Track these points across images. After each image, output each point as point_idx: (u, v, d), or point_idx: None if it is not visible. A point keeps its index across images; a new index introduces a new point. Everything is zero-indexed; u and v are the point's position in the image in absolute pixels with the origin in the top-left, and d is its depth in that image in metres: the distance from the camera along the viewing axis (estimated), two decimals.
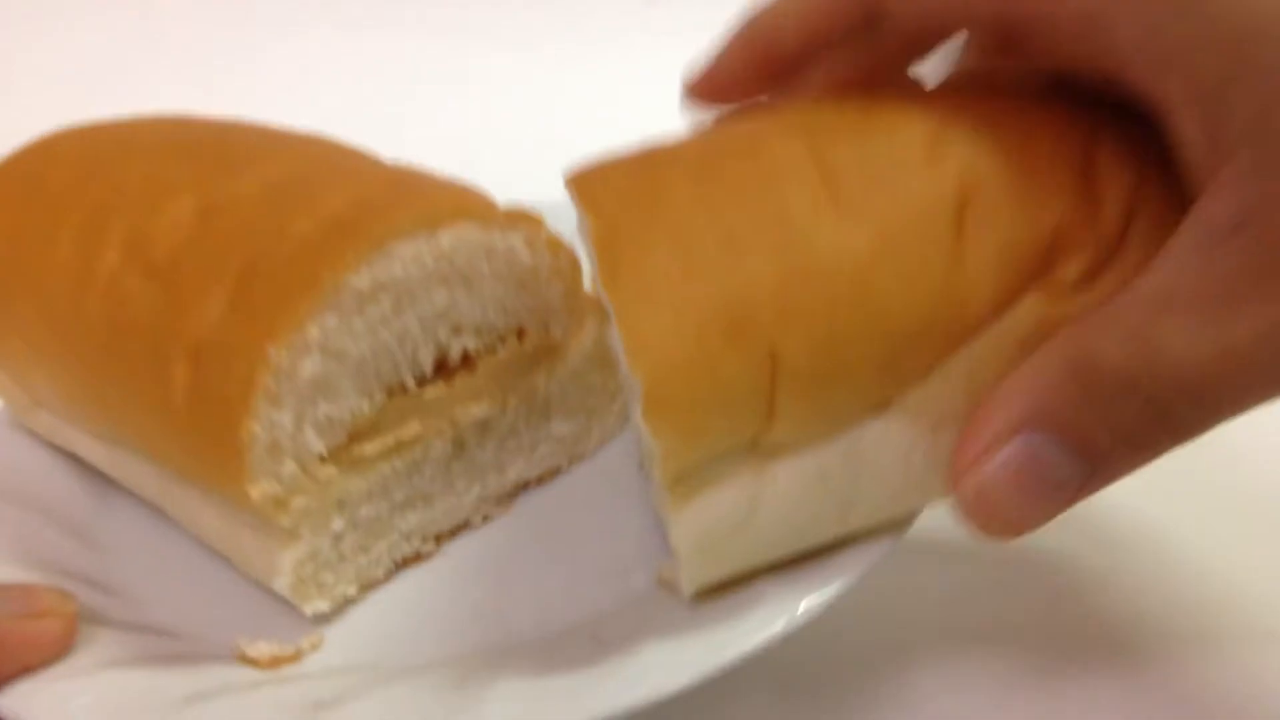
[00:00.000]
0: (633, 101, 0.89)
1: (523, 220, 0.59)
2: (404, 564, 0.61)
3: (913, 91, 0.53)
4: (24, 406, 0.68)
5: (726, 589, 0.51)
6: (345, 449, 0.56)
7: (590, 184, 0.50)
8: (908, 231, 0.47)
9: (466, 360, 0.60)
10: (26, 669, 0.51)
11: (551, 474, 0.66)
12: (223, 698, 0.51)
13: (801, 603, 0.49)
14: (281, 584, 0.55)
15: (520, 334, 0.62)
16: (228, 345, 0.52)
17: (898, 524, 0.52)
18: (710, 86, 0.54)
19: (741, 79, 0.54)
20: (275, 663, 0.54)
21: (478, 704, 0.48)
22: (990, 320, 0.47)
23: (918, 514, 0.52)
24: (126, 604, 0.58)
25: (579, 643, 0.52)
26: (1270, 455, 0.67)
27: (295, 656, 0.55)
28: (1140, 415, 0.42)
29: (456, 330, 0.59)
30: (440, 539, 0.62)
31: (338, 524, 0.56)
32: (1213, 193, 0.42)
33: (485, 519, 0.63)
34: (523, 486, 0.65)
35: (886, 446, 0.49)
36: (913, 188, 0.47)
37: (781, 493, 0.49)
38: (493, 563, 0.61)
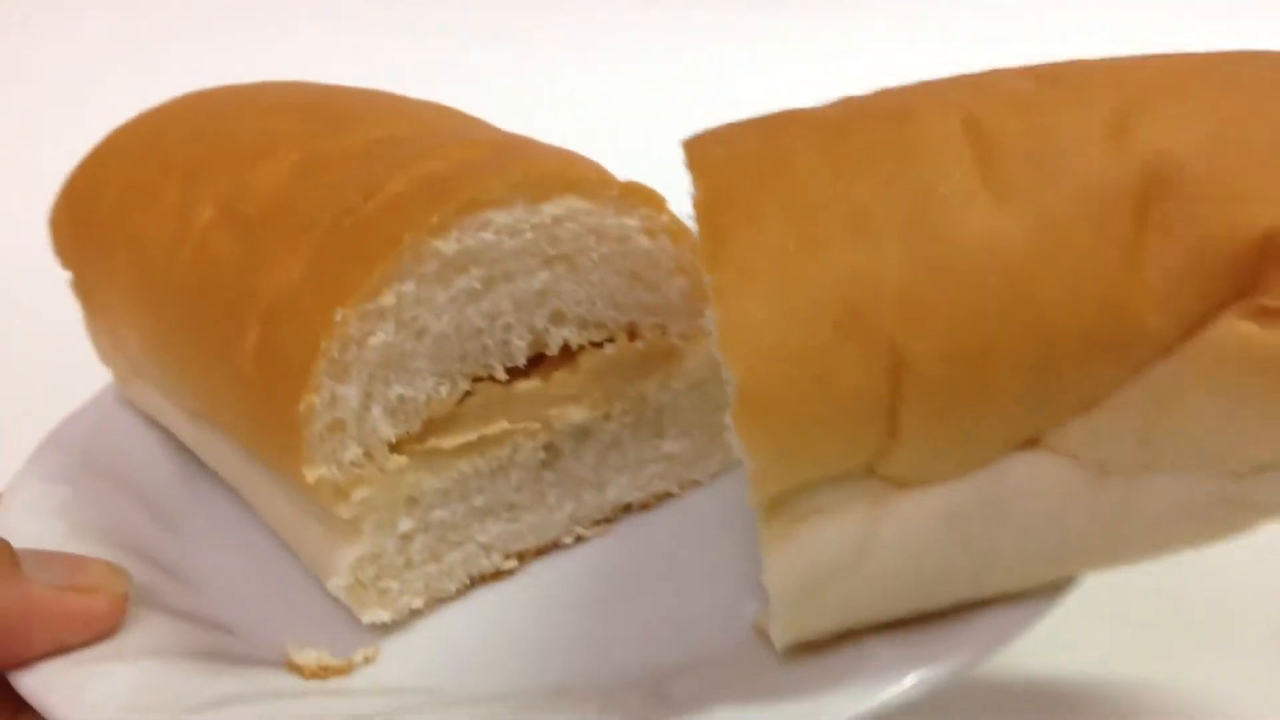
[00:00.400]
0: (634, 101, 0.83)
1: (642, 199, 0.52)
2: (480, 580, 0.54)
3: (1113, 59, 0.44)
4: (124, 374, 0.65)
5: (829, 646, 0.43)
6: (419, 439, 0.50)
7: (704, 144, 0.43)
8: (1077, 222, 0.38)
9: (567, 355, 0.53)
10: (62, 647, 0.46)
11: (659, 499, 0.58)
12: (253, 704, 0.45)
13: (913, 674, 0.40)
14: (337, 585, 0.49)
15: (632, 332, 0.55)
16: (299, 307, 0.47)
17: (1046, 591, 0.42)
18: None
19: None
20: (322, 673, 0.48)
21: None
22: (1175, 343, 0.38)
23: (1073, 583, 0.42)
24: (189, 592, 0.53)
25: (642, 698, 0.44)
26: None
27: (345, 669, 0.49)
28: None
29: (557, 319, 0.52)
30: (524, 557, 0.55)
31: (406, 524, 0.50)
32: None
33: (578, 540, 0.56)
34: (625, 509, 0.57)
35: (1037, 492, 0.40)
36: (1088, 171, 0.38)
37: (901, 534, 0.40)
38: (579, 591, 0.53)
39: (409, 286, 0.46)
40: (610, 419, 0.55)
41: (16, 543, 0.49)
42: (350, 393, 0.46)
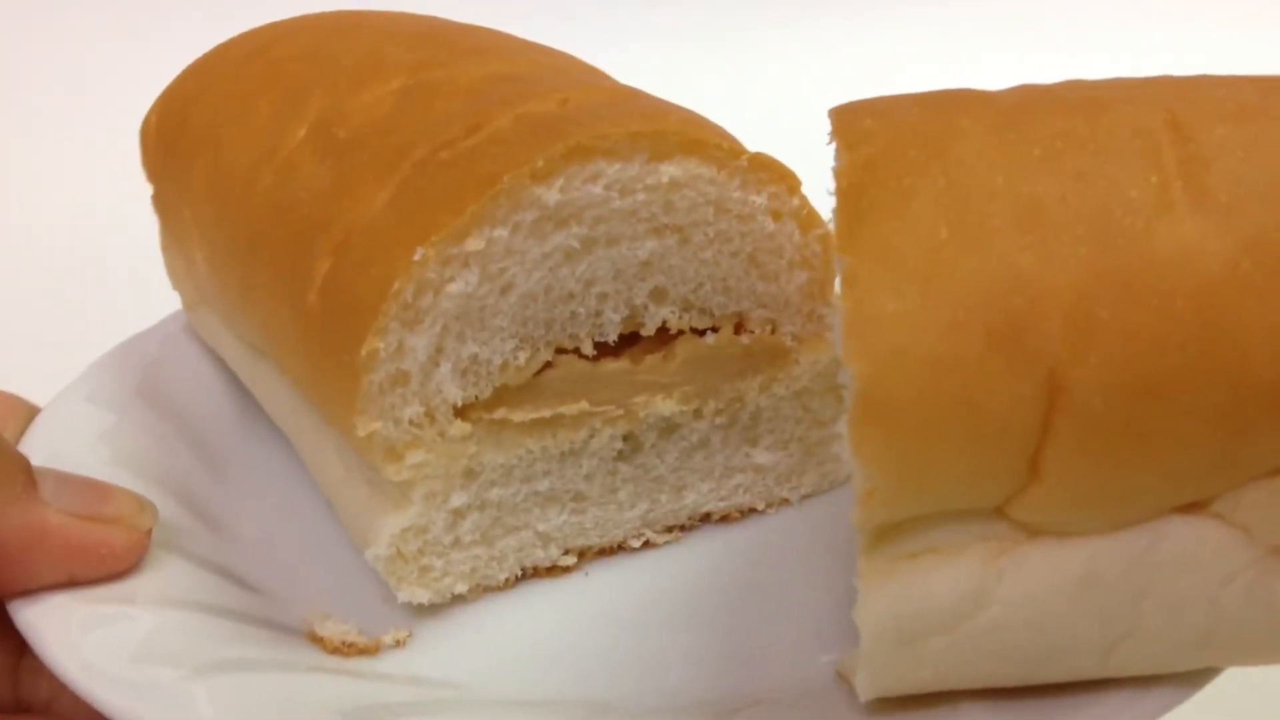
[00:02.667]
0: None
1: (774, 175, 0.46)
2: (532, 574, 0.48)
3: None
4: (190, 300, 0.61)
5: (918, 704, 0.36)
6: (488, 407, 0.44)
7: (854, 114, 0.38)
8: None
9: (663, 339, 0.48)
10: (71, 579, 0.42)
11: (743, 513, 0.52)
12: (264, 672, 0.40)
13: None
14: (375, 554, 0.44)
15: (740, 325, 0.49)
16: (376, 242, 0.42)
17: (1179, 682, 0.35)
18: None
19: None
20: (345, 650, 0.43)
21: None
22: None
23: (1212, 675, 0.35)
24: (220, 542, 0.49)
25: None
26: None
27: (372, 649, 0.44)
28: None
29: (658, 296, 0.46)
30: (585, 555, 0.49)
31: (460, 498, 0.45)
32: None
33: (646, 544, 0.50)
34: (702, 519, 0.52)
35: (1195, 565, 0.34)
36: None
37: (1027, 590, 0.35)
38: (640, 602, 0.48)
39: (501, 233, 0.41)
40: (701, 417, 0.49)
41: (49, 463, 0.45)
42: (420, 343, 0.41)
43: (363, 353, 0.40)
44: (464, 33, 0.58)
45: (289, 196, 0.47)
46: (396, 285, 0.40)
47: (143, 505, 0.45)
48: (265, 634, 0.43)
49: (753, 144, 0.47)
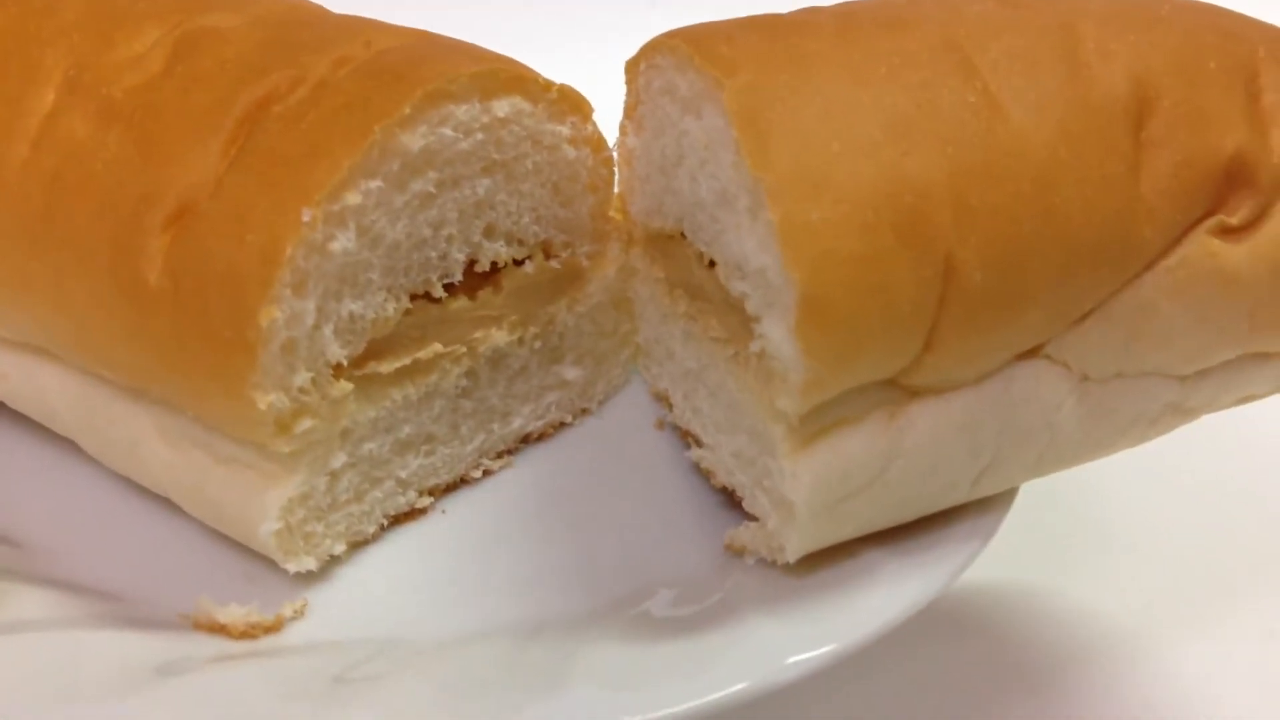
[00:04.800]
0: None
1: (573, 105, 0.49)
2: (396, 520, 0.49)
3: None
4: None
5: (824, 558, 0.43)
6: (359, 364, 0.44)
7: (709, 41, 0.41)
8: (1088, 133, 0.40)
9: (493, 275, 0.49)
10: None
11: (555, 428, 0.56)
12: (201, 670, 0.38)
13: (923, 581, 0.41)
14: (267, 531, 0.42)
15: (547, 249, 0.52)
16: (233, 209, 0.39)
17: (1004, 495, 0.45)
18: None
19: None
20: (253, 631, 0.42)
21: (564, 679, 0.38)
22: (1158, 256, 0.42)
23: (1015, 492, 0.46)
24: (38, 558, 0.44)
25: (667, 610, 0.43)
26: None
27: (277, 625, 0.43)
28: None
29: (490, 232, 0.48)
30: (435, 493, 0.50)
31: (339, 459, 0.44)
32: None
33: (485, 474, 0.52)
34: (525, 439, 0.54)
35: (1035, 399, 0.43)
36: (1084, 87, 0.41)
37: (920, 443, 0.41)
38: (497, 524, 0.50)
39: (375, 184, 0.41)
40: (523, 344, 0.52)
41: None
42: (308, 307, 0.40)
43: (262, 324, 0.38)
44: None
45: (74, 171, 0.42)
46: (289, 250, 0.38)
47: None
48: (158, 635, 0.41)
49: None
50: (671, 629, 0.42)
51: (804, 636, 0.40)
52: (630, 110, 0.49)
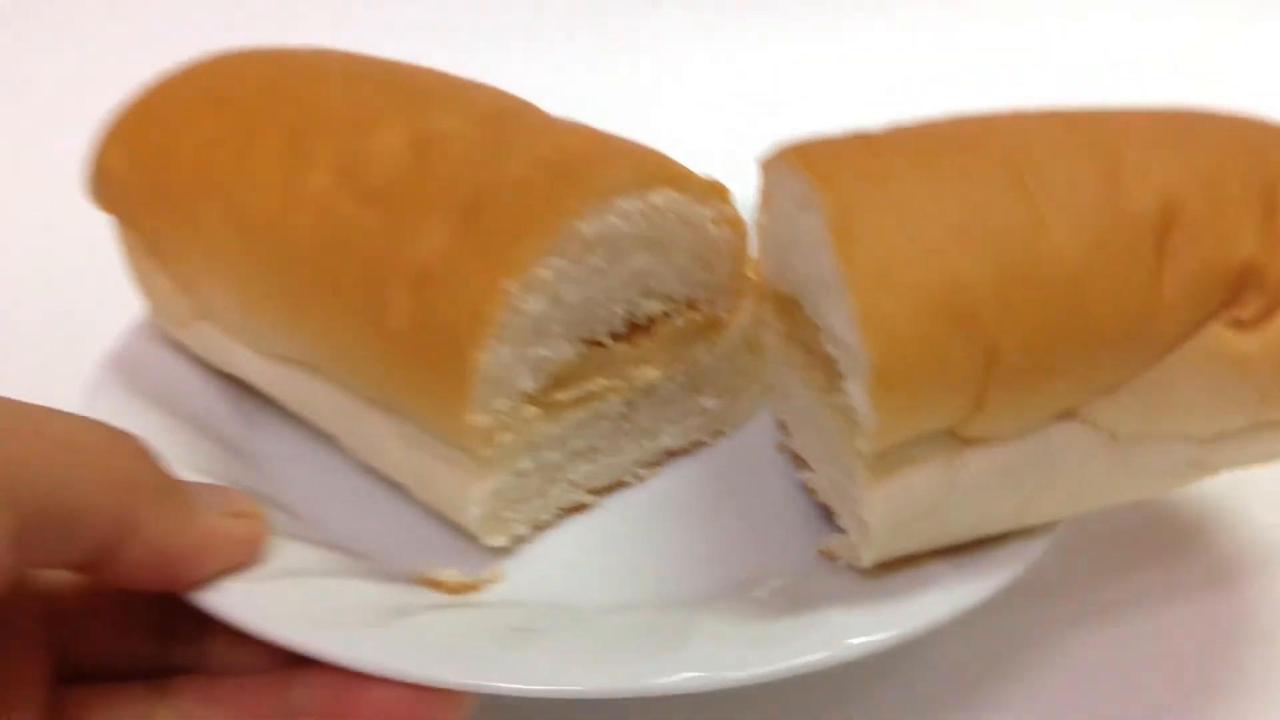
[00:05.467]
0: (634, 102, 0.90)
1: (716, 193, 0.62)
2: (567, 511, 0.63)
3: (1104, 113, 0.57)
4: (180, 318, 0.69)
5: (897, 565, 0.54)
6: (545, 392, 0.58)
7: (818, 159, 0.53)
8: (1116, 246, 0.50)
9: (648, 326, 0.63)
10: (226, 570, 0.52)
11: (694, 445, 0.69)
12: (423, 614, 0.53)
13: (972, 588, 0.53)
14: (473, 514, 0.57)
15: (692, 304, 0.65)
16: (458, 275, 0.54)
17: (1048, 526, 0.55)
18: None
19: None
20: (461, 588, 0.56)
21: (685, 641, 0.51)
22: (1177, 343, 0.51)
23: (1062, 521, 0.56)
24: (307, 524, 0.59)
25: (761, 599, 0.55)
26: None
27: (477, 585, 0.57)
28: None
29: (647, 293, 0.61)
30: (598, 492, 0.64)
31: (526, 464, 0.58)
32: None
33: (638, 479, 0.66)
34: (670, 454, 0.67)
35: (1069, 451, 0.53)
36: (1121, 206, 0.51)
37: (973, 482, 0.52)
38: (650, 520, 0.63)
39: (559, 262, 0.54)
40: (671, 379, 0.65)
41: None
42: (507, 353, 0.54)
43: (472, 365, 0.52)
44: (411, 72, 0.68)
45: (337, 238, 0.57)
46: (493, 311, 0.52)
47: (250, 496, 0.55)
48: (393, 586, 0.55)
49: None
50: (773, 610, 0.53)
51: (871, 624, 0.51)
52: (763, 196, 0.61)
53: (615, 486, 0.65)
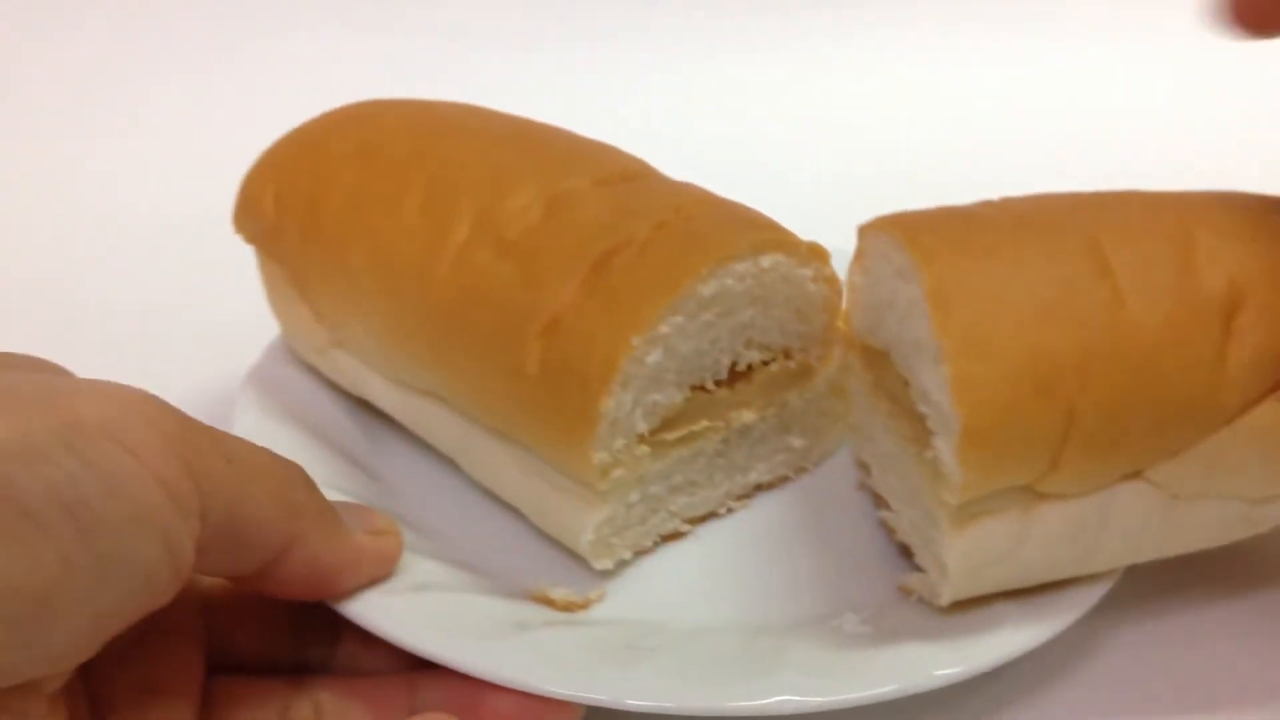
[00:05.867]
0: (633, 102, 0.95)
1: (816, 256, 0.67)
2: (666, 539, 0.69)
3: (1180, 198, 0.62)
4: (317, 345, 0.76)
5: (968, 605, 0.60)
6: (655, 433, 0.64)
7: (919, 233, 0.59)
8: (1188, 326, 0.56)
9: (747, 372, 0.69)
10: (374, 581, 0.58)
11: (781, 480, 0.74)
12: (540, 629, 0.59)
13: (1039, 630, 0.58)
14: (585, 540, 0.63)
15: (788, 353, 0.70)
16: (588, 328, 0.60)
17: (1108, 575, 0.61)
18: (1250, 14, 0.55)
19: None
20: (570, 606, 0.62)
21: (778, 666, 0.56)
22: (1236, 415, 0.57)
23: (1120, 570, 0.61)
24: (434, 541, 0.66)
25: (845, 628, 0.61)
26: None
27: (585, 604, 0.63)
28: None
29: (749, 344, 0.67)
30: (694, 522, 0.70)
31: (634, 496, 0.65)
32: None
33: (729, 511, 0.72)
34: (759, 488, 0.73)
35: (1134, 509, 0.58)
36: (1193, 288, 0.57)
37: (1041, 534, 0.58)
38: (741, 548, 0.69)
39: (678, 320, 0.60)
40: (764, 420, 0.71)
41: None
42: (628, 399, 0.60)
43: (601, 410, 0.58)
44: (540, 132, 0.75)
45: (478, 288, 0.64)
46: (622, 363, 0.58)
47: (388, 514, 0.62)
48: (511, 602, 0.62)
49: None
50: (853, 642, 0.59)
51: (946, 659, 0.56)
52: (859, 256, 0.67)
53: (709, 516, 0.71)
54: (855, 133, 1.31)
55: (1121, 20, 1.45)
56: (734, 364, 0.67)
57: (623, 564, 0.67)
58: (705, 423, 0.67)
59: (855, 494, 0.74)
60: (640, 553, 0.68)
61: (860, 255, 0.67)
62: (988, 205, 0.63)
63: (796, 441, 0.74)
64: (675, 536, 0.70)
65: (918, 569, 0.63)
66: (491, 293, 0.64)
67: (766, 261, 0.64)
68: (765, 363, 0.69)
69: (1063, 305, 0.55)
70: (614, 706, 0.54)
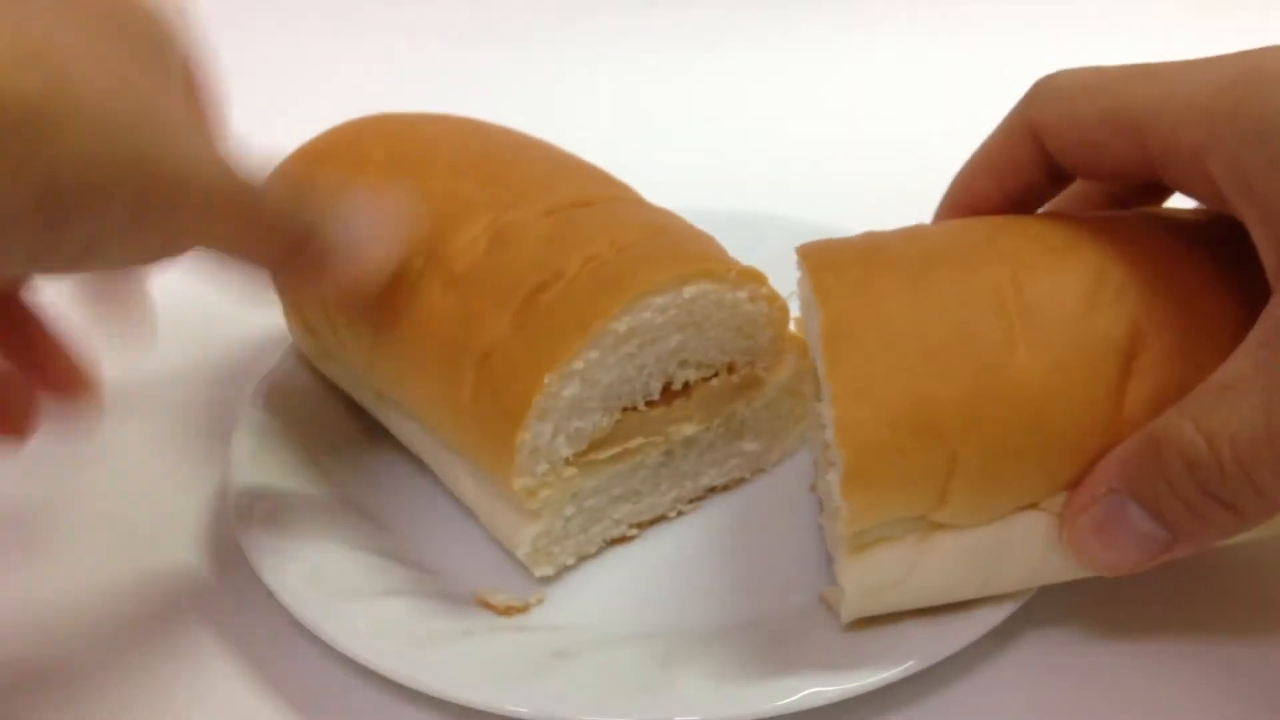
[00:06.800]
0: (632, 103, 0.95)
1: (750, 279, 0.70)
2: (612, 543, 0.74)
3: (1101, 227, 0.62)
4: (313, 353, 0.83)
5: (877, 621, 0.63)
6: (583, 454, 0.69)
7: (823, 269, 0.61)
8: (1083, 369, 0.57)
9: (685, 387, 0.72)
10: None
11: (736, 482, 0.78)
12: (480, 636, 0.65)
13: (940, 647, 0.61)
14: (521, 552, 0.69)
15: (731, 367, 0.74)
16: (512, 362, 0.65)
17: (1017, 596, 0.63)
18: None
19: None
20: (509, 611, 0.68)
21: (682, 677, 0.61)
22: None
23: (1033, 590, 0.63)
24: (396, 539, 0.73)
25: (759, 639, 0.65)
26: None
27: (524, 609, 0.69)
28: (1204, 498, 0.50)
29: (683, 364, 0.71)
30: (642, 526, 0.75)
31: (569, 510, 0.70)
32: (1277, 298, 0.50)
33: (679, 514, 0.76)
34: (711, 490, 0.77)
35: (1030, 538, 0.60)
36: (1092, 327, 0.57)
37: (937, 561, 0.61)
38: (683, 553, 0.74)
39: (592, 355, 0.64)
40: (709, 431, 0.75)
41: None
42: (546, 429, 0.65)
43: (516, 441, 0.64)
44: (515, 157, 0.78)
45: (424, 319, 0.69)
46: (535, 399, 0.63)
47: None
48: (457, 608, 0.68)
49: None
50: (760, 652, 0.64)
51: (842, 676, 0.60)
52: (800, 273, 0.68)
53: (658, 520, 0.76)
54: (856, 123, 1.32)
55: (1121, 17, 1.44)
56: (669, 383, 0.71)
57: (566, 569, 0.72)
58: (640, 439, 0.71)
59: (807, 497, 0.77)
60: (585, 558, 0.73)
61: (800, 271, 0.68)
62: (908, 236, 0.64)
63: (750, 446, 0.77)
64: (622, 540, 0.75)
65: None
66: (438, 326, 0.69)
67: (690, 292, 0.67)
68: (707, 379, 0.73)
69: (952, 349, 0.57)
70: (518, 717, 0.59)
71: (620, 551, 0.74)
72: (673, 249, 0.69)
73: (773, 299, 0.72)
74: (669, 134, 0.94)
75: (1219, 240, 0.60)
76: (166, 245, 0.50)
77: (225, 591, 0.71)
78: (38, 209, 0.41)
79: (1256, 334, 0.50)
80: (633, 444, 0.71)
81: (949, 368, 0.57)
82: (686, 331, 0.69)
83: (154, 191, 0.45)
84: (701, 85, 1.36)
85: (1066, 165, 0.62)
